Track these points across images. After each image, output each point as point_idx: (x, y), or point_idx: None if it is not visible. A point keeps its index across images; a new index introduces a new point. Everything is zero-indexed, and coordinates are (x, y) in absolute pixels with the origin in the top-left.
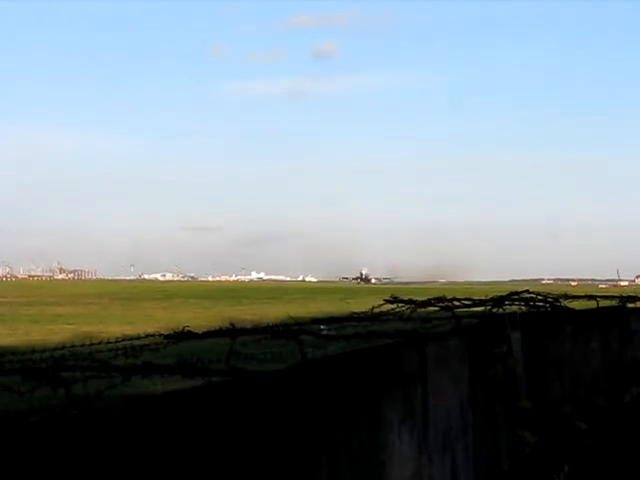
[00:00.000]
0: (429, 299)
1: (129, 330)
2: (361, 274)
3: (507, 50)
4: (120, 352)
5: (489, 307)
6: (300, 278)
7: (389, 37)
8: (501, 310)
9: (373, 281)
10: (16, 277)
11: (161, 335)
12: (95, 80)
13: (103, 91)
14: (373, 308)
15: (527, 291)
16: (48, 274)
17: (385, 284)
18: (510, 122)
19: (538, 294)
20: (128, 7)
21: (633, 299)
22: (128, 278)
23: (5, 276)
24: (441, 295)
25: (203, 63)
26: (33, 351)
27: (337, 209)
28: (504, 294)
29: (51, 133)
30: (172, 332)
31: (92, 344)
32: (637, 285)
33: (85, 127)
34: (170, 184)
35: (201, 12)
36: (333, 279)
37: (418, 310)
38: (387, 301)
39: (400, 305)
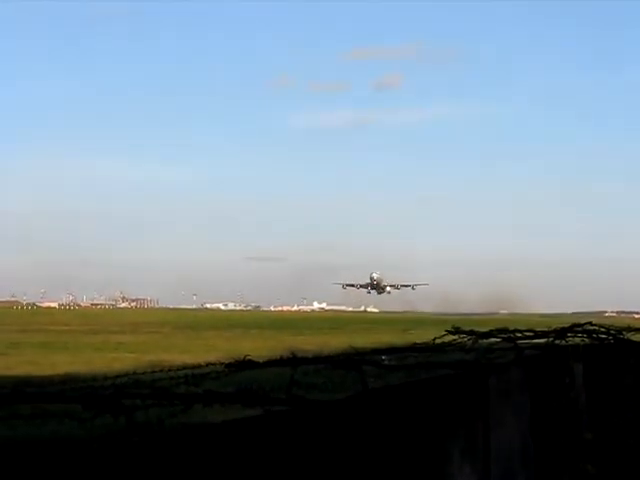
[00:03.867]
0: (491, 330)
1: (190, 359)
2: (372, 280)
3: (574, 79)
4: (181, 380)
5: (551, 339)
6: (362, 308)
7: (453, 68)
8: (563, 342)
9: (388, 289)
10: (79, 305)
11: (222, 364)
12: (160, 110)
13: (168, 122)
14: (435, 339)
15: (590, 323)
16: (111, 303)
17: (399, 289)
18: (572, 155)
19: (601, 326)
20: (192, 38)
21: None
22: (190, 307)
23: (68, 304)
24: (503, 326)
25: (267, 93)
26: (95, 379)
27: (400, 239)
28: (566, 326)
29: (114, 164)
30: (233, 361)
31: (153, 372)
32: None
33: (149, 157)
34: (234, 215)
35: (265, 42)
36: (394, 310)
37: (480, 341)
38: (449, 332)
39: (462, 336)
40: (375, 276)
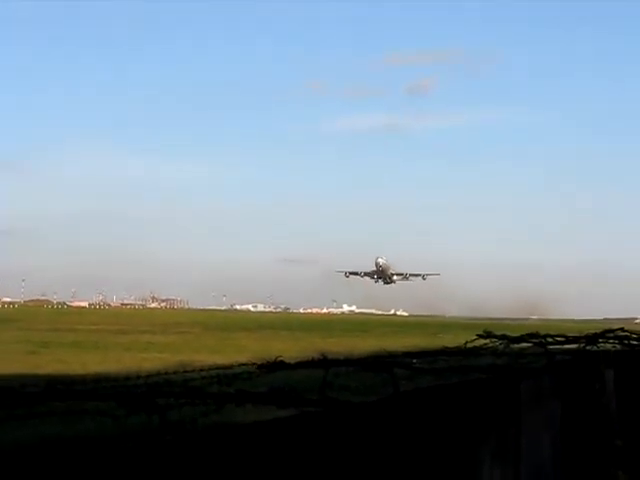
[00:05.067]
0: (522, 335)
1: (221, 359)
2: (377, 266)
3: (606, 88)
4: (213, 380)
5: (583, 344)
6: (391, 312)
7: (486, 73)
8: (595, 348)
9: (395, 278)
10: (109, 305)
11: (254, 365)
12: (194, 111)
13: (202, 123)
14: (466, 343)
15: (622, 329)
16: (141, 303)
17: (409, 280)
18: (605, 162)
19: (633, 332)
20: (226, 41)
21: None
22: (220, 308)
23: (99, 304)
24: (534, 331)
25: (301, 97)
26: (127, 378)
27: (430, 244)
28: (598, 332)
29: (145, 164)
30: (265, 362)
31: (185, 372)
32: None
33: (181, 158)
34: (266, 216)
35: (299, 46)
36: (423, 313)
37: (511, 346)
38: (480, 336)
39: (493, 340)
40: (381, 262)
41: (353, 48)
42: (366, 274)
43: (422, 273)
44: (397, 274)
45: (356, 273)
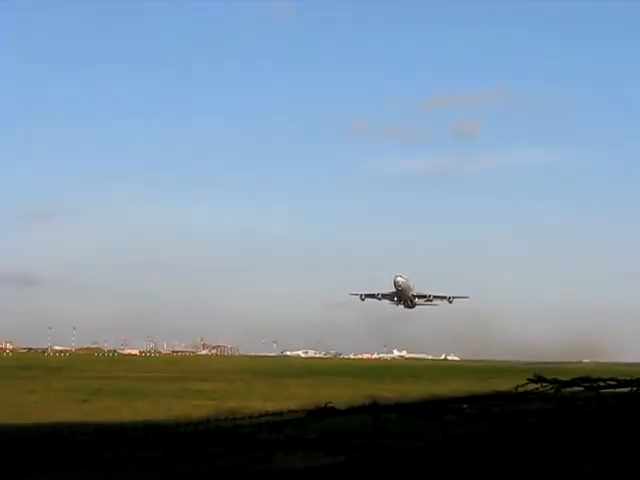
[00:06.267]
0: (574, 379)
1: (271, 406)
2: (397, 286)
3: None
4: (263, 427)
5: (635, 388)
6: (442, 357)
7: (532, 115)
8: None
9: (417, 300)
10: (160, 352)
11: (304, 411)
12: (239, 156)
13: (247, 168)
14: (517, 387)
15: None
16: (191, 350)
17: (432, 305)
18: None
19: None
20: (266, 87)
21: None
22: (270, 354)
23: (149, 351)
24: (586, 375)
25: (346, 140)
26: (177, 425)
27: (480, 286)
28: None
29: (194, 212)
30: (315, 408)
31: (235, 419)
32: None
33: (229, 206)
34: (314, 261)
35: (344, 88)
36: (474, 357)
37: (562, 390)
38: (531, 380)
39: (544, 385)
40: (400, 281)
41: (398, 92)
42: (384, 296)
43: (448, 295)
44: (419, 296)
45: (373, 295)
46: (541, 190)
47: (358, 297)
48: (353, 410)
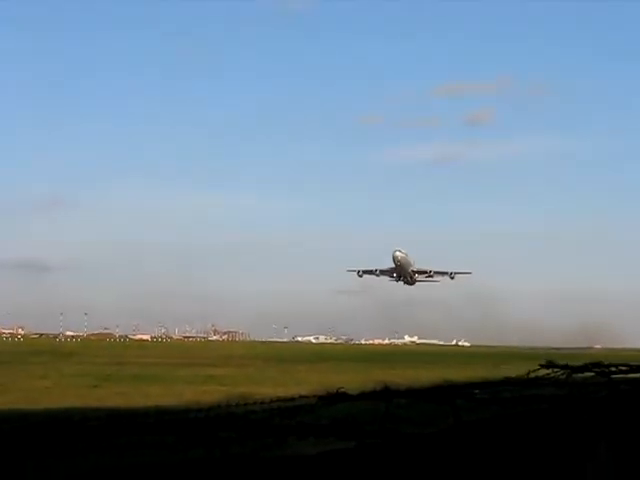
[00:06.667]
0: (585, 364)
1: (282, 392)
2: (395, 261)
3: None
4: (275, 413)
5: None
6: (453, 342)
7: (545, 102)
8: None
9: (417, 276)
10: (171, 338)
11: (315, 397)
12: (255, 146)
13: (266, 157)
14: (529, 373)
15: None
16: (202, 335)
17: (433, 281)
18: None
19: None
20: (287, 78)
21: None
22: (281, 340)
23: (160, 337)
24: (597, 360)
25: (359, 128)
26: (188, 410)
27: (490, 272)
28: None
29: (208, 198)
30: (326, 394)
31: (246, 404)
32: None
33: (243, 192)
34: (327, 247)
35: (359, 79)
36: (486, 343)
37: (574, 375)
38: (542, 366)
39: (555, 370)
40: (399, 255)
41: (410, 79)
42: (382, 272)
43: (450, 271)
44: (419, 271)
45: (371, 272)
46: (554, 176)
47: (355, 273)
48: (364, 396)
